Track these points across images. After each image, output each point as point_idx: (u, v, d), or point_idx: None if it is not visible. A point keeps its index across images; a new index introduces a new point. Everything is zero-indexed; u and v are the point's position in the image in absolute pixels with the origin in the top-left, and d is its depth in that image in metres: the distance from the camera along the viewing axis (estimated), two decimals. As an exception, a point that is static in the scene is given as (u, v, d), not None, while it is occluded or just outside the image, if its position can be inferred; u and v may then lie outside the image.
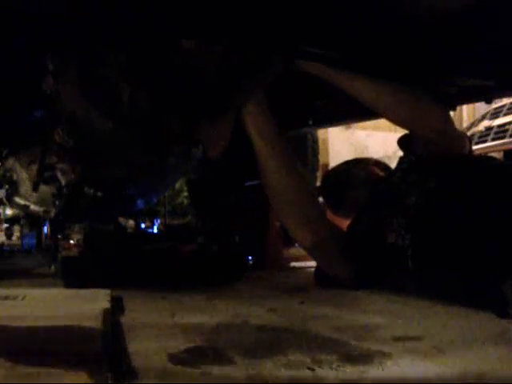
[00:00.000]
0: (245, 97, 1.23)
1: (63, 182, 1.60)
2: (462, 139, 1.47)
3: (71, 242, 2.29)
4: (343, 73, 1.28)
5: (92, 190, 2.13)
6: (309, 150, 3.36)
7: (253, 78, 1.23)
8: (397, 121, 1.42)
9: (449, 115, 1.46)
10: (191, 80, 1.20)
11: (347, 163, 1.85)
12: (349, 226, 1.58)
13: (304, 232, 1.37)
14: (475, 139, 3.27)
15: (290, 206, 1.36)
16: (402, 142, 1.55)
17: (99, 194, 2.14)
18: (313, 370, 0.84)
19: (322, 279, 1.58)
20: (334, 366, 0.86)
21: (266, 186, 1.37)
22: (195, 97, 1.25)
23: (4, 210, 3.04)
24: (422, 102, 1.37)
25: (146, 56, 1.12)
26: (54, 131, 1.39)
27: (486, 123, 3.32)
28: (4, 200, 2.05)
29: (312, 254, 1.45)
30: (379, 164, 1.79)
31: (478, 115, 3.73)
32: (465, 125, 4.39)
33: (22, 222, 3.03)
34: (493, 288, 1.14)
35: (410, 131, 1.49)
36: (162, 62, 1.15)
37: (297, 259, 2.45)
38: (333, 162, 3.17)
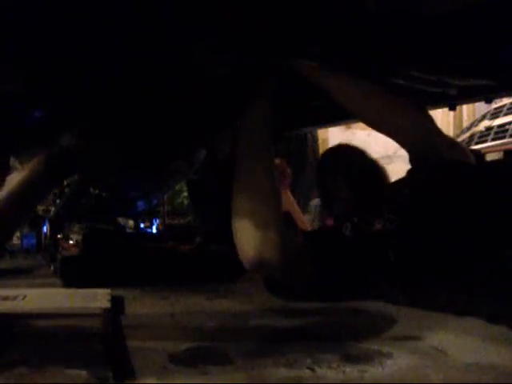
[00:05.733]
0: (247, 102, 1.19)
1: (65, 181, 1.59)
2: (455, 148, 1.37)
3: (71, 242, 2.29)
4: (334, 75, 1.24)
5: (96, 191, 2.13)
6: (309, 150, 3.37)
7: (253, 83, 1.20)
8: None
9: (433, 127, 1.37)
10: (200, 84, 1.18)
11: None
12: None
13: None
14: (475, 139, 3.27)
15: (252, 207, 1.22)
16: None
17: (103, 194, 2.14)
18: (313, 370, 0.84)
19: (274, 286, 1.39)
20: (333, 365, 0.86)
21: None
22: (206, 103, 1.23)
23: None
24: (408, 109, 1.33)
25: (151, 60, 1.09)
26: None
27: (485, 123, 3.32)
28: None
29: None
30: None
31: (478, 115, 3.73)
32: (465, 125, 4.38)
33: (21, 222, 3.02)
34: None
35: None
36: (170, 66, 1.13)
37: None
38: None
